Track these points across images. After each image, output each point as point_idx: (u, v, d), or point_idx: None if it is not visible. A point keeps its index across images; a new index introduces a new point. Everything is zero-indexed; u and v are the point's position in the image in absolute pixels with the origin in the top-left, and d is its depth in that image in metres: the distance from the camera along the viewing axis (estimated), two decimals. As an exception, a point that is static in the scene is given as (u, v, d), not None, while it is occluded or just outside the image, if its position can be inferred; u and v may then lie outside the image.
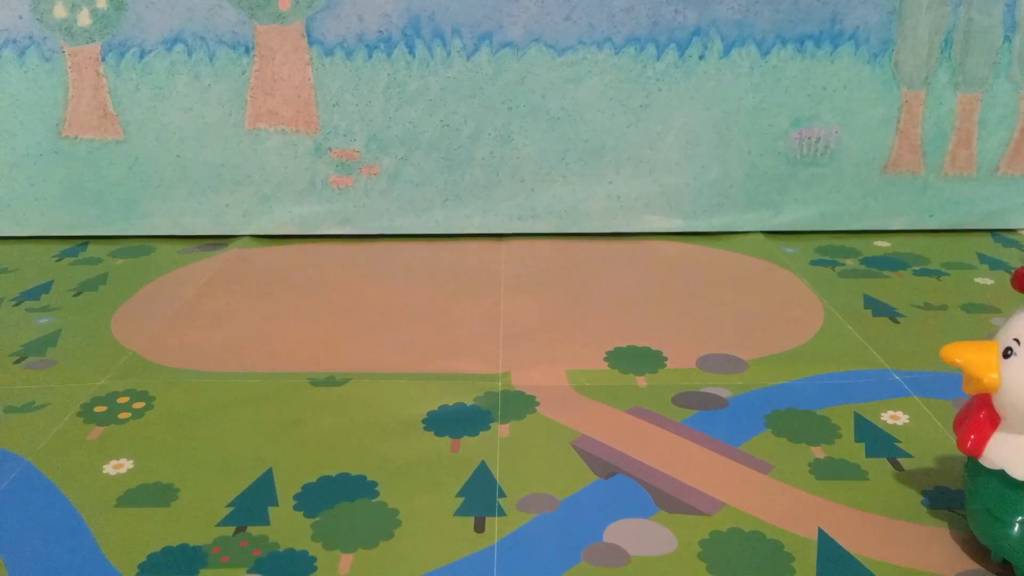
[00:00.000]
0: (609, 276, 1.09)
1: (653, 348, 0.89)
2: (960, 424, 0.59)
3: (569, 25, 1.15)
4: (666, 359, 0.87)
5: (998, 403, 0.56)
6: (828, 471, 0.69)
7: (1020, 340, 0.55)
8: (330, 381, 0.83)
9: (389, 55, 1.16)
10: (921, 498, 0.66)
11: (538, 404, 0.79)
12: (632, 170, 1.20)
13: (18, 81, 1.16)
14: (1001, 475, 0.55)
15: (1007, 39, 1.16)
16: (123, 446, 0.73)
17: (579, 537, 0.62)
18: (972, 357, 0.56)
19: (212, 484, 0.68)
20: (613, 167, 1.20)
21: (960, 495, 0.65)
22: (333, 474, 0.69)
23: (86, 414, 0.78)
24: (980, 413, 0.57)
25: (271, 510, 0.65)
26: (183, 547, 0.61)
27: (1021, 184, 1.22)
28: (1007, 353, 0.55)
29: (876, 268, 1.11)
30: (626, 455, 0.71)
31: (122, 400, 0.80)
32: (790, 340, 0.91)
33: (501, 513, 0.64)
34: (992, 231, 1.23)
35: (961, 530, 0.62)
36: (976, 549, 0.60)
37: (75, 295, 1.04)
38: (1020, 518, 0.55)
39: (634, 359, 0.87)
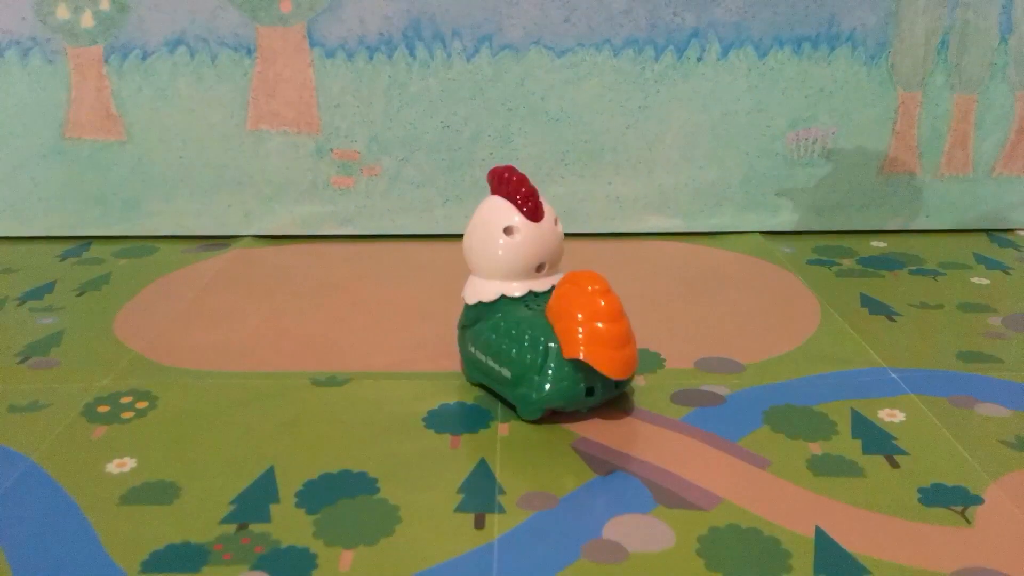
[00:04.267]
0: (608, 276, 1.09)
1: (652, 348, 0.90)
2: None
3: (568, 27, 1.15)
4: (664, 359, 0.88)
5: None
6: (825, 468, 0.69)
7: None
8: (331, 381, 0.84)
9: (390, 57, 1.16)
10: (917, 495, 0.66)
11: (538, 403, 0.79)
12: (631, 171, 1.21)
13: (21, 83, 1.17)
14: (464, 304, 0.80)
15: (1003, 40, 1.17)
16: (126, 445, 0.73)
17: (578, 533, 0.62)
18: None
19: (214, 482, 0.68)
20: (612, 168, 1.20)
21: (957, 492, 0.66)
22: (334, 471, 0.69)
23: (89, 413, 0.78)
24: None
25: (273, 507, 0.65)
26: (186, 544, 0.61)
27: (1017, 184, 1.23)
28: None
29: (873, 268, 1.12)
30: (625, 452, 0.72)
31: (125, 400, 0.81)
32: (788, 339, 0.92)
33: (501, 510, 0.65)
34: (988, 231, 1.24)
35: (958, 527, 0.63)
36: (975, 547, 0.61)
37: (78, 295, 1.05)
38: (466, 330, 0.79)
39: (633, 358, 0.88)
